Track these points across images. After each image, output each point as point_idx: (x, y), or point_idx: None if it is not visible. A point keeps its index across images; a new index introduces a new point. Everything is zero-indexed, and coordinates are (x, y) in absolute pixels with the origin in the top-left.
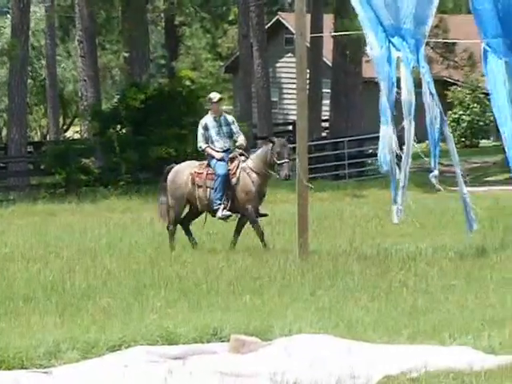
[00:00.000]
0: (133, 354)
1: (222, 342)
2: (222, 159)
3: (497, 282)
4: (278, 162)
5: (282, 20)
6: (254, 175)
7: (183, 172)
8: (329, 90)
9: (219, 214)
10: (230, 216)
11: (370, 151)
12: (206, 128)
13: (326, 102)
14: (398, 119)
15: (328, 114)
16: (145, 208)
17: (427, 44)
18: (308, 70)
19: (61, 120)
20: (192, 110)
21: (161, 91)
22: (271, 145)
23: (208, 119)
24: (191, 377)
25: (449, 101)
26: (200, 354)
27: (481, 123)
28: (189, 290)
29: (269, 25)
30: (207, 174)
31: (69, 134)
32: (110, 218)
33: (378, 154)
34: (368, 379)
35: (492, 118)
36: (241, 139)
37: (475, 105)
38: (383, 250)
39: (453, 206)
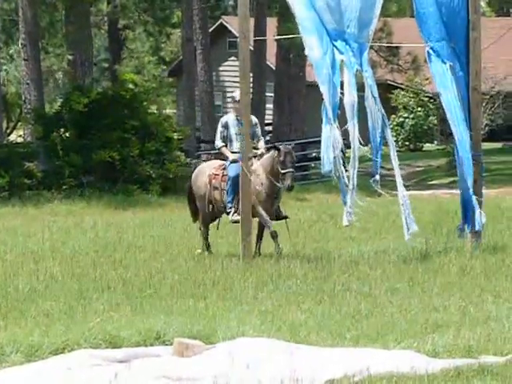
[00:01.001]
0: (76, 358)
1: (166, 345)
2: (234, 161)
3: (440, 285)
4: (282, 171)
5: (226, 24)
6: (263, 178)
7: (204, 173)
8: (272, 94)
9: (230, 217)
10: (239, 221)
11: (314, 155)
12: (225, 126)
13: (270, 105)
14: (341, 121)
15: (271, 117)
16: (88, 212)
17: (371, 47)
18: (251, 74)
19: (4, 124)
20: (135, 113)
21: (104, 95)
22: (276, 152)
23: (229, 118)
24: (135, 380)
25: (393, 105)
26: (144, 357)
27: (425, 127)
28: (132, 293)
29: (212, 28)
30: (222, 176)
31: (12, 137)
32: (54, 221)
33: (321, 154)
34: (311, 382)
35: (436, 122)
36: (260, 145)
37: (419, 108)
38: (326, 253)
39: (395, 210)
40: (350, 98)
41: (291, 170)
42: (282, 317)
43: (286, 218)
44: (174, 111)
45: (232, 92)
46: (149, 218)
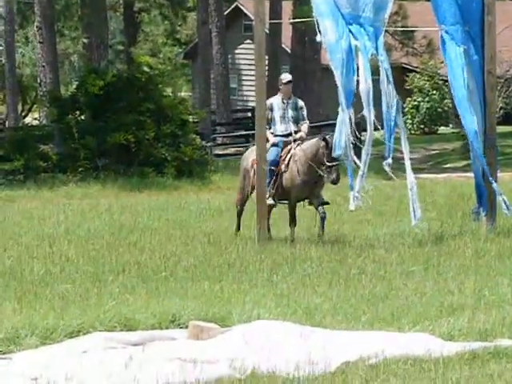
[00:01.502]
0: (91, 341)
1: (181, 328)
2: (275, 144)
3: (455, 268)
4: (328, 164)
5: (241, 6)
6: (301, 165)
7: (248, 158)
8: None
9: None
10: (274, 205)
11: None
12: (270, 108)
13: None
14: (357, 106)
15: None
16: (103, 194)
17: (386, 31)
18: (267, 57)
19: (19, 106)
20: (150, 96)
21: (119, 77)
22: (323, 143)
23: (275, 100)
24: (151, 363)
25: (408, 88)
26: (159, 340)
27: (439, 110)
28: (147, 276)
29: (227, 11)
30: None
31: (27, 120)
32: (69, 204)
33: (334, 138)
34: (326, 365)
35: (450, 105)
36: (303, 128)
37: (434, 92)
38: (342, 236)
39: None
40: (366, 85)
41: (338, 163)
42: (297, 300)
43: (327, 203)
44: (190, 94)
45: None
46: (164, 201)
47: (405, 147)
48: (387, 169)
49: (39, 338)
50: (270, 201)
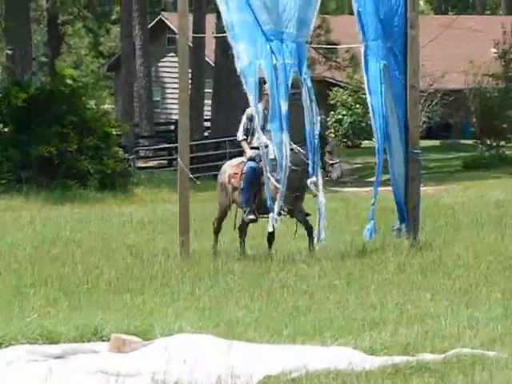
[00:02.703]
0: (14, 353)
1: (103, 341)
2: (251, 159)
3: (378, 282)
4: (331, 162)
5: (165, 20)
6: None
7: (225, 172)
8: (211, 90)
9: (244, 216)
10: (254, 220)
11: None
12: (250, 119)
13: (208, 101)
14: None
15: (210, 113)
16: (26, 207)
17: (310, 44)
18: (190, 70)
19: None
20: (74, 108)
21: (43, 90)
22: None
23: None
24: (72, 375)
25: (331, 102)
26: (81, 353)
27: (363, 124)
28: (69, 289)
29: (151, 24)
30: (241, 175)
31: None
32: None
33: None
34: (248, 379)
35: None
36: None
37: (357, 106)
38: (264, 249)
39: (334, 206)
40: (283, 106)
41: (338, 160)
42: (220, 313)
43: (308, 214)
44: (113, 106)
45: None
46: (86, 214)
47: (319, 168)
48: (312, 187)
49: None
50: (251, 215)
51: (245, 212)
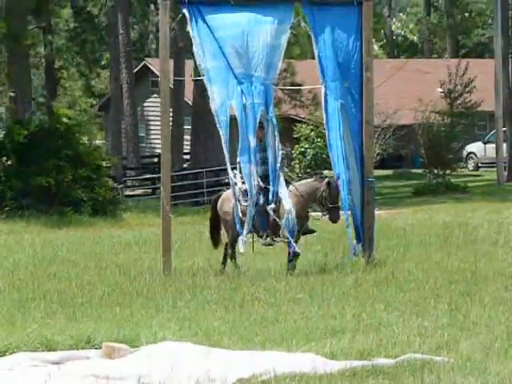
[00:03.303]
0: (17, 359)
1: (95, 348)
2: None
3: (337, 295)
4: (331, 205)
5: (149, 65)
6: (297, 198)
7: (230, 199)
8: (190, 127)
9: (261, 240)
10: (271, 244)
11: (227, 180)
12: None
13: (188, 137)
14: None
15: (189, 147)
16: (27, 230)
17: (277, 86)
18: (171, 109)
19: None
20: (69, 143)
21: (41, 127)
22: (326, 186)
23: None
24: (68, 379)
25: (295, 136)
26: (76, 359)
27: (324, 156)
28: (66, 302)
29: (137, 69)
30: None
31: None
32: None
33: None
34: (223, 382)
35: None
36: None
37: (319, 139)
38: (237, 267)
39: None
40: (252, 141)
41: (337, 205)
42: (198, 323)
43: (313, 231)
44: (103, 142)
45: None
46: (80, 236)
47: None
48: (271, 213)
49: None
50: (268, 240)
51: (261, 236)
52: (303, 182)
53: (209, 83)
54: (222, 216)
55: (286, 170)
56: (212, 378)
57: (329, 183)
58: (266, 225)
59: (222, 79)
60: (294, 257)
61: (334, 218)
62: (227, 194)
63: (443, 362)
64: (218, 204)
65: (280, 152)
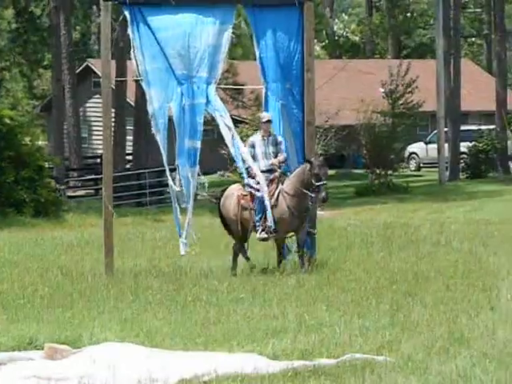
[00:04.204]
0: None
1: (38, 349)
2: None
3: (279, 296)
4: (316, 183)
5: (91, 65)
6: (290, 198)
7: (232, 195)
8: (132, 127)
9: (257, 235)
10: (267, 239)
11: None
12: (252, 146)
13: (130, 137)
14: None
15: (132, 148)
16: None
17: (219, 85)
18: (113, 110)
19: None
20: (11, 144)
21: None
22: (309, 165)
23: (256, 138)
24: (10, 380)
25: None
26: (18, 360)
27: None
28: (8, 303)
29: (79, 70)
30: (251, 196)
31: None
32: None
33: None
34: (165, 382)
35: None
36: (278, 158)
37: None
38: (179, 268)
39: None
40: (192, 143)
41: (325, 182)
42: (140, 324)
43: (313, 234)
44: (46, 143)
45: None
46: (22, 238)
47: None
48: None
49: None
50: (264, 235)
51: (257, 231)
52: (293, 174)
53: (147, 86)
54: (224, 214)
55: (228, 173)
56: (154, 379)
57: (310, 161)
58: (261, 219)
59: (161, 81)
60: (299, 252)
61: (322, 197)
62: (230, 189)
63: (385, 362)
64: (221, 201)
65: (237, 142)
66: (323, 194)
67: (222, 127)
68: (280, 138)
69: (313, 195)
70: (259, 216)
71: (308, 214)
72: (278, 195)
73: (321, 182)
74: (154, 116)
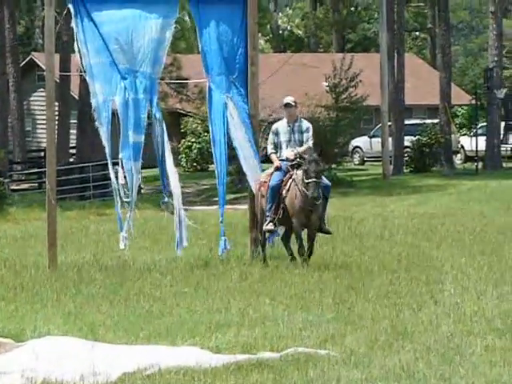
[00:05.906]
0: None
1: None
2: (278, 168)
3: (222, 290)
4: (306, 180)
5: (35, 59)
6: (297, 190)
7: (259, 181)
8: (76, 121)
9: (264, 226)
10: (273, 231)
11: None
12: (275, 133)
13: (74, 131)
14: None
15: (75, 141)
16: None
17: (163, 80)
18: (57, 104)
19: None
20: None
21: None
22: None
23: (280, 124)
24: None
25: (182, 130)
26: None
27: (210, 150)
28: None
29: (23, 63)
30: (265, 184)
31: None
32: None
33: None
34: (108, 376)
35: None
36: (300, 148)
37: (206, 133)
38: (123, 261)
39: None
40: (133, 139)
41: (314, 179)
42: (83, 318)
43: (328, 233)
44: None
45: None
46: None
47: (174, 187)
48: (163, 206)
49: None
50: (270, 226)
51: (265, 221)
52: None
53: (91, 80)
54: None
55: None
56: (96, 373)
57: (302, 157)
58: (270, 210)
59: (105, 75)
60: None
61: (312, 194)
62: (264, 173)
63: (328, 356)
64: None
65: (169, 146)
66: (311, 191)
67: (156, 127)
68: (307, 124)
69: (308, 192)
70: (269, 205)
71: (315, 210)
72: (289, 185)
73: (310, 180)
74: (97, 109)
